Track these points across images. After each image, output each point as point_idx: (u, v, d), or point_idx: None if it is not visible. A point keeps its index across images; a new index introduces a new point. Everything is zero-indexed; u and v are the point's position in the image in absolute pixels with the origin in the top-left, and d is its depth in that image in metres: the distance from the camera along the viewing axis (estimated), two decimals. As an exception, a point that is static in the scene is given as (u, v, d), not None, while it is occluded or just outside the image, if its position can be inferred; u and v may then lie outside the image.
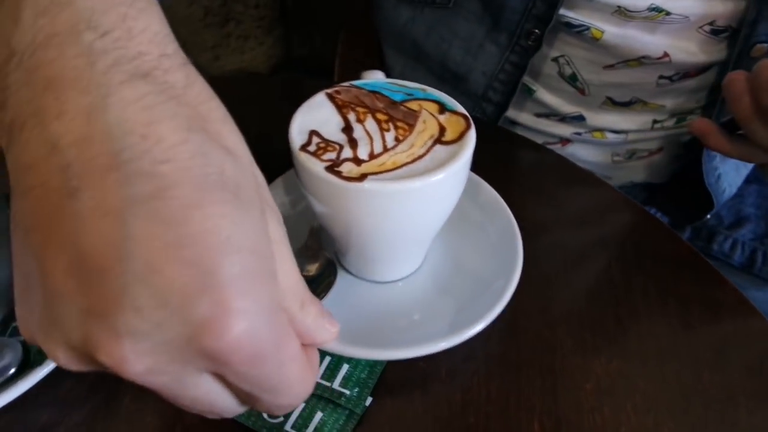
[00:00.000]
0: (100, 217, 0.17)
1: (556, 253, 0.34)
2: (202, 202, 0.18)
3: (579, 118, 0.54)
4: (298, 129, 0.29)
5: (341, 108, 0.30)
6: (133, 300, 0.17)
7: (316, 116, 0.30)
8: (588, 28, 0.46)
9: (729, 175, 0.57)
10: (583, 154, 0.58)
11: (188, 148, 0.18)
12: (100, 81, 0.18)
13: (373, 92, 0.31)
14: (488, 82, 0.53)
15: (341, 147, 0.28)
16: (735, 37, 0.46)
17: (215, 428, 0.28)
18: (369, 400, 0.30)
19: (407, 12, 0.55)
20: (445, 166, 0.27)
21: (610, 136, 0.55)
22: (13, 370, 0.29)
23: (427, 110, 0.30)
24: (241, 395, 0.21)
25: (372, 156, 0.28)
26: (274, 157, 0.38)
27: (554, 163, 0.47)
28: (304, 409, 0.29)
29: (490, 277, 0.33)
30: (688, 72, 0.49)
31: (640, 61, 0.48)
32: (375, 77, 0.34)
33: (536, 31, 0.48)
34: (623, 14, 0.45)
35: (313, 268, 0.33)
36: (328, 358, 0.32)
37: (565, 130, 0.56)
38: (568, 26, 0.47)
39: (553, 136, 0.57)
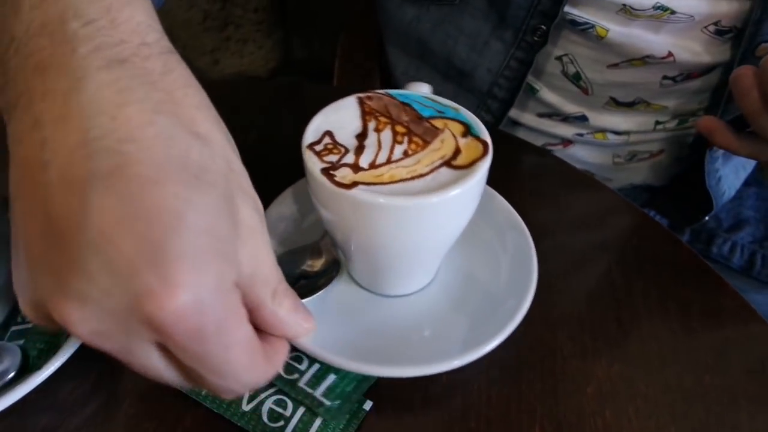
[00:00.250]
0: (66, 188, 0.19)
1: (556, 256, 0.34)
2: (159, 180, 0.19)
3: (582, 119, 0.54)
4: (315, 126, 0.29)
5: (366, 114, 0.30)
6: (85, 266, 0.18)
7: (337, 117, 0.30)
8: (593, 26, 0.46)
9: (729, 178, 0.57)
10: (584, 155, 0.58)
11: (153, 130, 0.20)
12: (79, 65, 0.20)
13: (405, 104, 0.31)
14: (493, 79, 0.53)
15: (347, 151, 0.28)
16: (739, 39, 0.46)
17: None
18: (369, 404, 0.30)
19: (412, 10, 0.55)
20: (441, 190, 0.26)
21: (612, 138, 0.55)
22: (12, 375, 0.29)
23: (450, 130, 0.29)
24: (187, 371, 0.21)
25: (372, 166, 0.27)
26: (271, 157, 0.38)
27: (555, 167, 0.47)
28: (303, 414, 0.29)
29: (504, 293, 0.32)
30: (691, 73, 0.49)
31: (644, 60, 0.48)
32: (418, 90, 0.34)
33: (542, 27, 0.48)
34: (628, 12, 0.45)
35: (317, 264, 0.33)
36: (316, 366, 0.31)
37: (568, 130, 0.56)
38: (573, 24, 0.47)
39: (555, 137, 0.57)
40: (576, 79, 0.51)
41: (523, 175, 0.46)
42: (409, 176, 0.27)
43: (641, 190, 0.61)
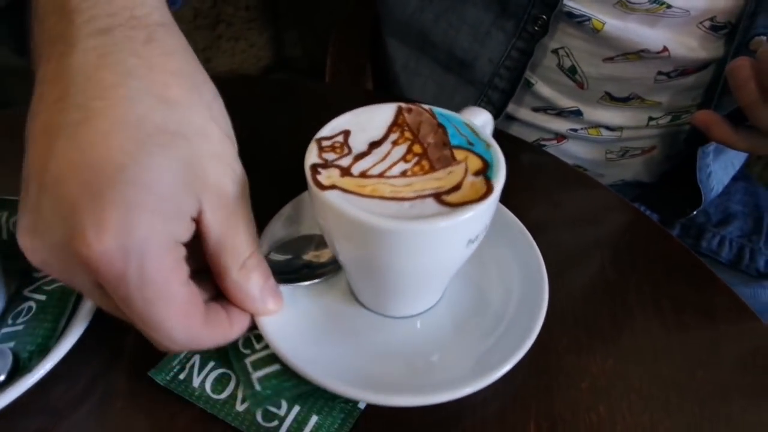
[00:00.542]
0: (41, 136, 0.22)
1: (550, 253, 0.34)
2: (112, 135, 0.21)
3: (576, 113, 0.54)
4: (338, 122, 0.29)
5: (394, 125, 0.29)
6: (39, 204, 0.22)
7: (365, 119, 0.29)
8: (589, 19, 0.47)
9: (718, 174, 0.58)
10: (577, 150, 0.58)
11: (123, 91, 0.22)
12: (72, 33, 0.23)
13: (441, 125, 0.29)
14: (495, 70, 0.53)
15: (349, 154, 0.27)
16: (733, 35, 0.46)
17: (209, 433, 0.28)
18: (363, 403, 0.30)
19: (415, 1, 0.55)
20: (401, 220, 0.24)
21: (605, 133, 0.55)
22: (2, 377, 0.29)
23: (466, 164, 0.27)
24: (124, 313, 0.23)
25: (363, 175, 0.26)
26: (266, 157, 0.38)
27: (548, 164, 0.47)
28: (299, 413, 0.29)
29: (513, 314, 0.31)
30: (685, 69, 0.49)
31: (640, 54, 0.48)
32: (471, 115, 0.31)
33: (543, 16, 0.48)
34: (625, 6, 0.45)
35: (324, 255, 0.33)
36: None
37: (562, 125, 0.56)
38: (570, 16, 0.47)
39: (549, 131, 0.57)
40: (571, 72, 0.51)
41: (516, 172, 0.46)
42: (389, 195, 0.25)
43: (632, 186, 0.62)
